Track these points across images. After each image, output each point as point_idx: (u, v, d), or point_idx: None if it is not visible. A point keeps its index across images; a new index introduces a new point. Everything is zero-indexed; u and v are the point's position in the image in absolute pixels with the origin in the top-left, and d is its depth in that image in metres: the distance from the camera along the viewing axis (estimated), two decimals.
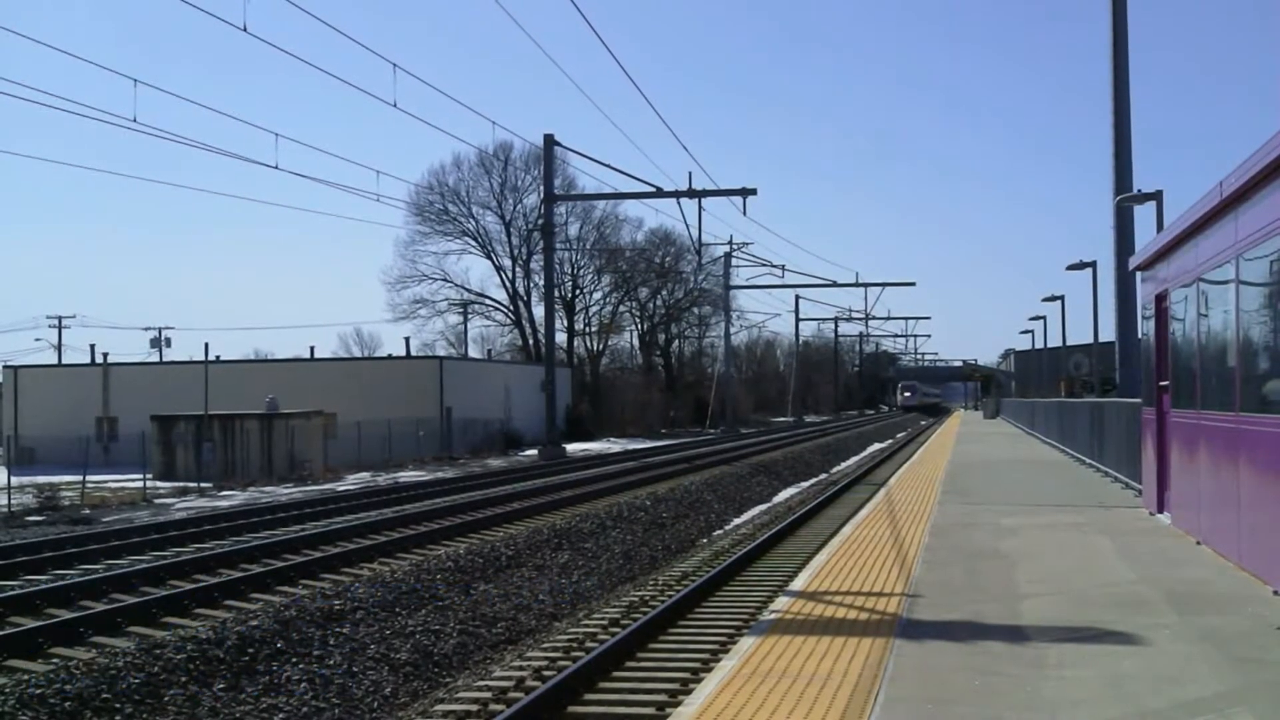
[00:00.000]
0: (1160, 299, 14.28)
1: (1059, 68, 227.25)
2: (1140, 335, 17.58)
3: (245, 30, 21.48)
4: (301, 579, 15.48)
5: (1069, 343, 58.44)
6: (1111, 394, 28.66)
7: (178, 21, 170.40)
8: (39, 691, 9.55)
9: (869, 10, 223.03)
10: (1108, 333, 31.71)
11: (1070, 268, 41.21)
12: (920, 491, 20.01)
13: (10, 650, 11.21)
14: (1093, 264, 41.24)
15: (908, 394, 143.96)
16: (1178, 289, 13.08)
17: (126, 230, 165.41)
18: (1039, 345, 70.07)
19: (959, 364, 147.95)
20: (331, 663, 11.41)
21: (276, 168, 28.23)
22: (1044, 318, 64.45)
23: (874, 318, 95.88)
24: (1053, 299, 54.81)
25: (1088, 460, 25.27)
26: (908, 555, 12.20)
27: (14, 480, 32.12)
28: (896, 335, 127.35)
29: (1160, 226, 20.76)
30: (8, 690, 9.54)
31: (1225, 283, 10.61)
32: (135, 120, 22.73)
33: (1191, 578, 10.44)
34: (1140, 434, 16.21)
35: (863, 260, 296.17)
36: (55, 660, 10.96)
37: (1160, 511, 14.79)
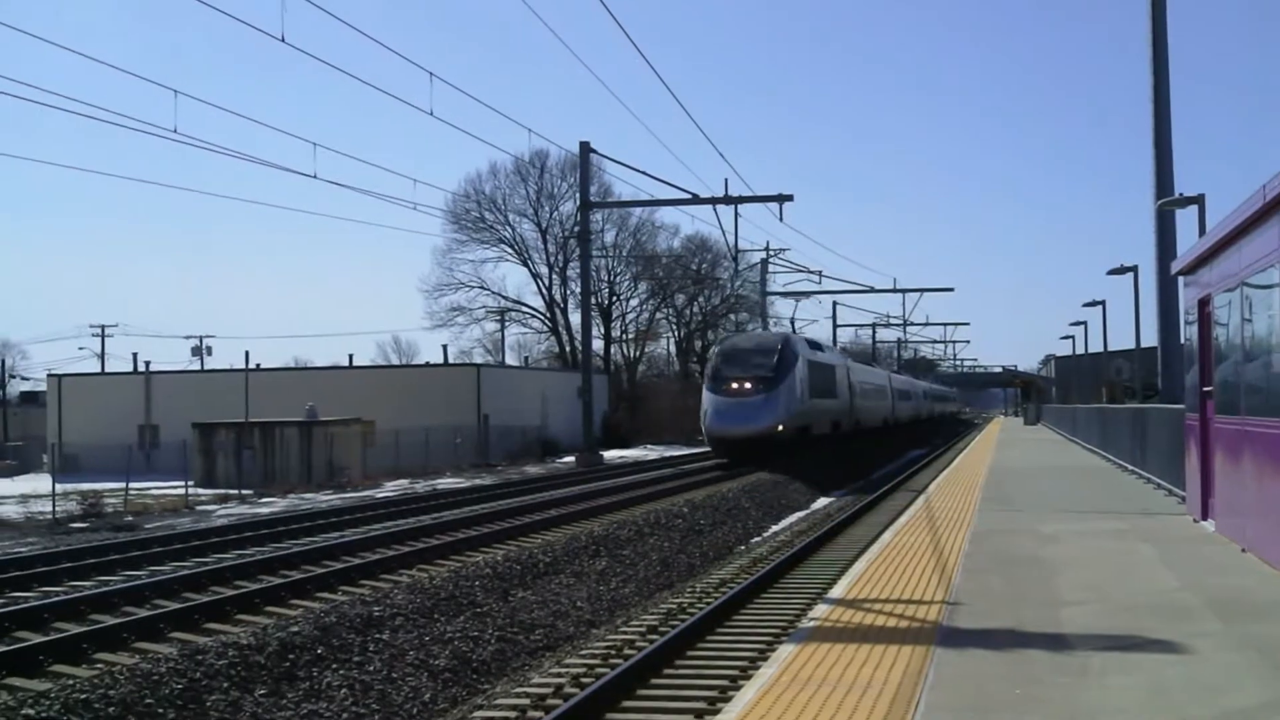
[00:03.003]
0: (1203, 304, 14.15)
1: (1100, 72, 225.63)
2: (1183, 340, 17.42)
3: (283, 40, 21.69)
4: (341, 585, 15.56)
5: (1110, 348, 58.07)
6: (1154, 400, 28.40)
7: (217, 33, 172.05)
8: (84, 697, 9.64)
9: (906, 22, 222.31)
10: (1150, 338, 31.47)
11: (1111, 272, 41.02)
12: (960, 498, 19.89)
13: (56, 656, 11.33)
14: (1134, 269, 41.03)
15: (733, 384, 38.74)
16: (1221, 293, 12.96)
17: (168, 240, 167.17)
18: (1080, 351, 69.66)
19: (999, 370, 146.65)
20: (371, 669, 11.46)
21: (315, 177, 28.59)
22: (1085, 323, 64.29)
23: (912, 324, 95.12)
24: (1094, 304, 54.59)
25: (1130, 467, 25.05)
26: (947, 562, 12.13)
27: (58, 488, 32.47)
28: (935, 341, 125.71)
29: (1202, 231, 20.56)
30: (53, 695, 9.64)
31: (1270, 287, 10.50)
32: (176, 131, 23.02)
33: (1236, 585, 10.32)
34: (1184, 440, 16.05)
35: (900, 266, 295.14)
36: (99, 666, 11.08)
37: (1204, 518, 14.64)
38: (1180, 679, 7.04)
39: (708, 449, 43.11)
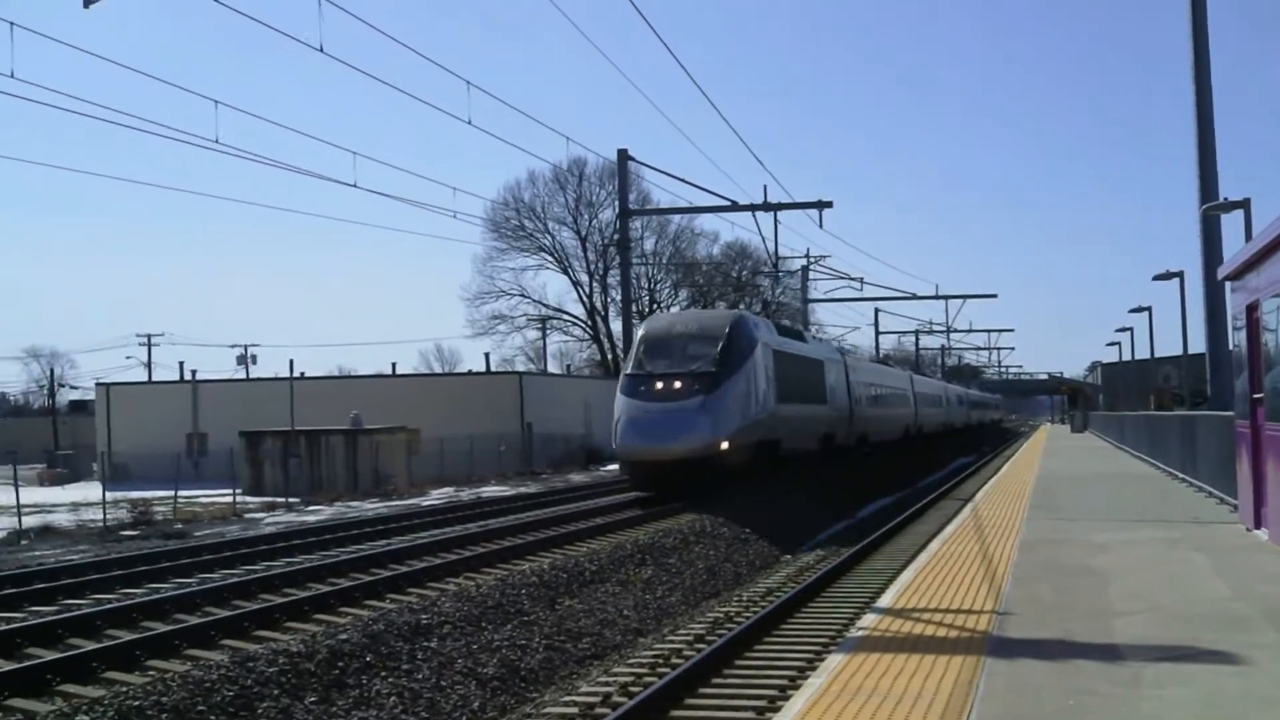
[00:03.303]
0: (1251, 309, 14.00)
1: (1144, 76, 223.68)
2: (1231, 346, 17.24)
3: (321, 50, 21.77)
4: (389, 593, 15.65)
5: (1158, 354, 57.51)
6: (1203, 406, 28.10)
7: (257, 44, 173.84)
8: (137, 703, 9.76)
9: (946, 29, 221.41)
10: (1198, 344, 31.14)
11: (1157, 278, 40.64)
12: (1008, 506, 19.75)
13: (109, 663, 11.46)
14: (1180, 274, 40.64)
15: (658, 384, 27.52)
16: (1270, 298, 12.81)
17: (211, 249, 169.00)
18: (1127, 357, 68.97)
19: (1044, 377, 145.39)
20: (419, 677, 11.52)
21: (355, 186, 28.74)
22: (1131, 329, 63.54)
23: (955, 330, 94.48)
24: (1140, 310, 53.99)
25: (1180, 475, 24.78)
26: (997, 572, 12.05)
27: (108, 495, 32.86)
28: (979, 348, 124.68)
29: (1249, 235, 20.35)
30: (106, 702, 9.76)
31: None
32: (217, 141, 23.17)
33: None
34: (1234, 447, 15.88)
35: (943, 272, 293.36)
36: (152, 673, 11.20)
37: (1257, 527, 14.47)
38: (1236, 690, 6.97)
39: None
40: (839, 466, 37.94)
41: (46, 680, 10.77)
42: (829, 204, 42.51)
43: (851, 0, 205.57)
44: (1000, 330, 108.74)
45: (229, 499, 36.26)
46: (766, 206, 42.58)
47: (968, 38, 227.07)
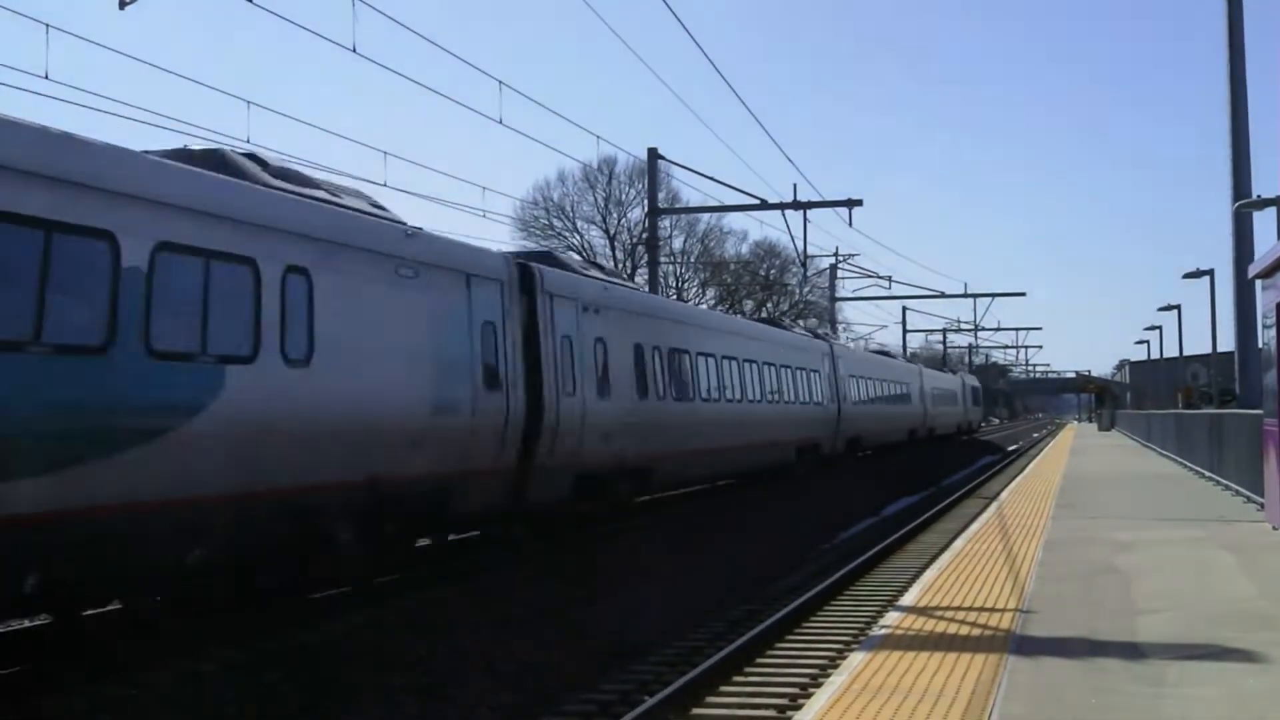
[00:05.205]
0: None
1: (1175, 71, 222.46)
2: (1261, 345, 17.13)
3: (355, 51, 21.84)
4: None
5: (1186, 353, 57.17)
6: (1231, 405, 27.91)
7: (290, 45, 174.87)
8: None
9: (978, 26, 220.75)
10: (1227, 342, 30.96)
11: (1187, 276, 40.40)
12: (1033, 505, 19.68)
13: None
14: (1210, 272, 40.40)
15: None
16: None
17: None
18: (1155, 356, 68.61)
19: (1072, 375, 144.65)
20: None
21: (385, 185, 28.75)
22: (1160, 328, 63.18)
23: (983, 329, 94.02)
24: (1169, 309, 53.67)
25: (1207, 473, 24.64)
26: (1021, 570, 12.02)
27: None
28: (1007, 346, 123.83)
29: None
30: None
31: None
32: (249, 141, 23.24)
33: None
34: (1262, 446, 15.77)
35: (972, 270, 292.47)
36: None
37: None
38: (1261, 689, 6.93)
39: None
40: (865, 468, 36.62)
41: None
42: (859, 202, 42.32)
43: None
44: (1028, 329, 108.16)
45: None
46: (796, 205, 42.42)
47: (996, 34, 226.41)
